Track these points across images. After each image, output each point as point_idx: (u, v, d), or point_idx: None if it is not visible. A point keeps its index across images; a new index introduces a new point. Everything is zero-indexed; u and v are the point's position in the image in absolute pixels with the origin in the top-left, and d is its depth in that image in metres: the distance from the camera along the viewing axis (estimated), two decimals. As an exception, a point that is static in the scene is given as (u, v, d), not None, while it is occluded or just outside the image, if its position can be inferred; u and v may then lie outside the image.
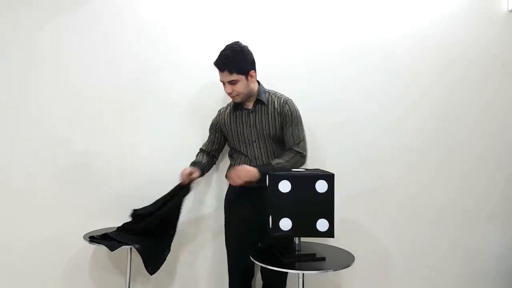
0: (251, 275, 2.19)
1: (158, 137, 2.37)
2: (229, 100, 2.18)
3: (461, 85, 2.44)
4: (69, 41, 2.36)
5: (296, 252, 1.80)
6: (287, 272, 2.03)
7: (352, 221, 2.39)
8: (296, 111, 2.09)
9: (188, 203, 2.26)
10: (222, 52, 2.02)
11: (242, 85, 2.02)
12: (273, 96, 2.12)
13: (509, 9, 2.44)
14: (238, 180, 1.95)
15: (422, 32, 2.43)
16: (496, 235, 2.46)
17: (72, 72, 2.35)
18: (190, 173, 2.10)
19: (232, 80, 2.00)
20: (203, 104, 2.37)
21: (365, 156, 2.41)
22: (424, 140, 2.43)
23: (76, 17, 2.36)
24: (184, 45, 2.39)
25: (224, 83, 2.04)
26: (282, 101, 2.09)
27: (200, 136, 2.34)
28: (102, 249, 2.31)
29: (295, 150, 2.03)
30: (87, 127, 2.35)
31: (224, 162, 2.35)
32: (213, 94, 2.37)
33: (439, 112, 2.44)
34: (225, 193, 2.23)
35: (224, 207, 2.21)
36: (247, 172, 1.95)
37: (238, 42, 2.04)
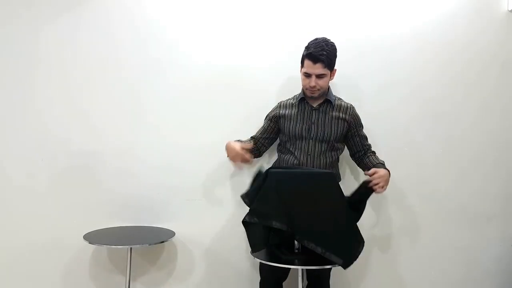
0: (285, 276, 2.14)
1: (158, 137, 2.37)
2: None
3: (460, 85, 2.44)
4: (69, 41, 2.36)
5: (296, 251, 1.80)
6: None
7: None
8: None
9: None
10: (314, 43, 1.93)
11: (326, 81, 1.98)
12: (338, 100, 2.11)
13: (509, 9, 2.43)
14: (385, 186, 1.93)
15: (421, 31, 2.42)
16: (496, 235, 2.46)
17: (72, 72, 2.36)
18: (242, 148, 1.97)
19: (322, 74, 1.94)
20: (204, 104, 2.37)
21: (365, 156, 2.40)
22: (423, 139, 2.42)
23: (76, 17, 2.37)
24: (185, 45, 2.39)
25: (310, 75, 1.95)
26: (348, 106, 2.09)
27: (200, 137, 2.35)
28: (102, 249, 2.33)
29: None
30: (87, 127, 2.35)
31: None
32: (214, 94, 2.38)
33: (438, 111, 2.43)
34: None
35: None
36: (387, 177, 1.95)
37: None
